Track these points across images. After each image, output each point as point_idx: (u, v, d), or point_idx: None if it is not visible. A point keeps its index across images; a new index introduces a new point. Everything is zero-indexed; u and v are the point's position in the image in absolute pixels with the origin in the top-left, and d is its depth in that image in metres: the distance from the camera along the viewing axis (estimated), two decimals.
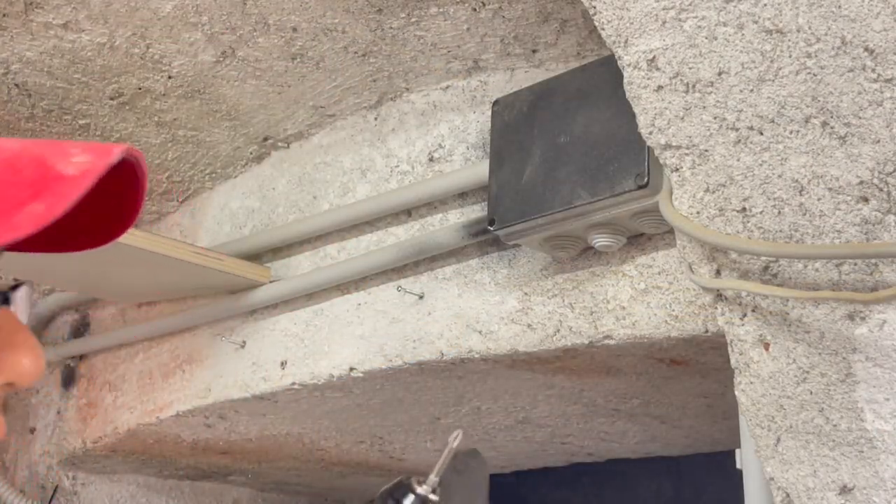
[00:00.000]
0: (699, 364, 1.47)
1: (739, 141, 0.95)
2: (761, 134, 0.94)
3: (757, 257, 0.98)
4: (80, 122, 1.78)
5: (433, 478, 0.94)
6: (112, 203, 0.53)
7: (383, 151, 1.70)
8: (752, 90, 0.93)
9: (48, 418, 2.28)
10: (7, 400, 2.37)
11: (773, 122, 0.93)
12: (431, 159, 1.62)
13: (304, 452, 2.22)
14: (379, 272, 1.63)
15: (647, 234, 1.33)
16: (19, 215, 0.45)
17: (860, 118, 0.88)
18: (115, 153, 0.49)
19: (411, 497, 0.91)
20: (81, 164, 0.48)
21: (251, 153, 1.90)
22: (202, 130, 1.83)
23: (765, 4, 0.90)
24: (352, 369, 1.64)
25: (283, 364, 1.74)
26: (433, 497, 0.93)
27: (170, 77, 1.67)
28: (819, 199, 0.92)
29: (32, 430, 2.32)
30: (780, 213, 0.95)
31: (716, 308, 1.03)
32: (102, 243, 0.55)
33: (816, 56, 0.88)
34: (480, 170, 1.47)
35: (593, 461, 2.32)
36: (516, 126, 1.35)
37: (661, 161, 1.02)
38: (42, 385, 2.32)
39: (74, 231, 0.54)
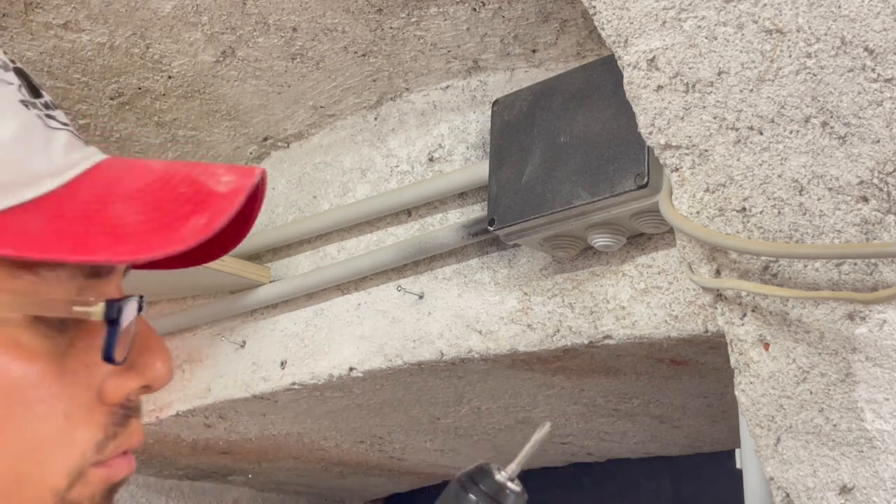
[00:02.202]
0: (699, 364, 1.47)
1: (739, 141, 0.95)
2: (761, 134, 0.94)
3: (757, 257, 0.98)
4: (80, 122, 1.78)
5: (513, 467, 0.95)
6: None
7: (383, 151, 1.70)
8: (751, 90, 0.93)
9: None
10: None
11: (772, 122, 0.93)
12: (431, 159, 1.62)
13: (304, 452, 2.22)
14: (379, 272, 1.63)
15: (647, 234, 1.33)
16: (184, 228, 0.48)
17: (860, 118, 0.88)
18: (256, 174, 0.53)
19: (489, 482, 0.93)
20: (230, 184, 0.51)
21: (251, 153, 1.90)
22: (202, 130, 1.83)
23: (765, 4, 0.90)
24: (352, 369, 1.64)
25: (283, 364, 1.74)
26: (512, 486, 0.94)
27: (170, 77, 1.67)
28: (819, 199, 0.92)
29: None
30: (779, 213, 0.95)
31: (716, 308, 1.03)
32: (216, 257, 0.58)
33: (816, 56, 0.88)
34: (480, 170, 1.47)
35: (593, 461, 2.32)
36: (516, 126, 1.35)
37: (661, 161, 1.02)
38: None
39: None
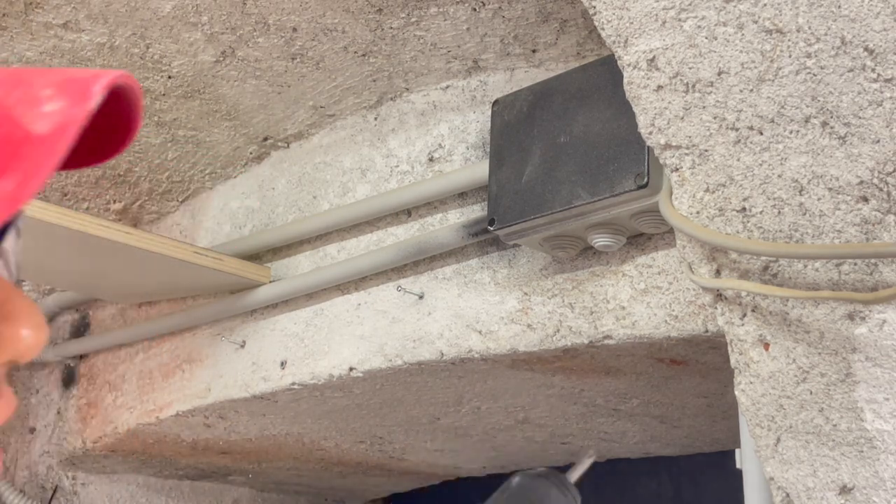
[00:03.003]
0: (699, 364, 1.47)
1: (739, 141, 0.95)
2: (761, 134, 0.94)
3: (757, 257, 0.98)
4: None
5: (575, 475, 1.07)
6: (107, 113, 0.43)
7: (383, 151, 1.70)
8: (751, 90, 0.93)
9: (48, 418, 2.28)
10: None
11: (772, 122, 0.93)
12: (431, 159, 1.62)
13: (304, 452, 2.22)
14: (379, 272, 1.63)
15: (647, 234, 1.33)
16: None
17: (860, 118, 0.88)
18: (95, 93, 0.38)
19: (562, 478, 1.04)
20: (54, 116, 0.38)
21: (251, 153, 1.90)
22: (202, 130, 1.83)
23: (765, 4, 0.90)
24: (352, 369, 1.64)
25: (282, 364, 1.74)
26: (574, 487, 1.03)
27: (170, 77, 1.67)
28: (819, 199, 0.92)
29: (32, 430, 2.32)
30: (779, 213, 0.95)
31: (716, 308, 1.03)
32: (98, 161, 0.46)
33: (816, 56, 0.88)
34: (480, 170, 1.47)
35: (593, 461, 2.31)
36: (516, 126, 1.35)
37: (661, 161, 1.02)
38: (42, 385, 2.32)
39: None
